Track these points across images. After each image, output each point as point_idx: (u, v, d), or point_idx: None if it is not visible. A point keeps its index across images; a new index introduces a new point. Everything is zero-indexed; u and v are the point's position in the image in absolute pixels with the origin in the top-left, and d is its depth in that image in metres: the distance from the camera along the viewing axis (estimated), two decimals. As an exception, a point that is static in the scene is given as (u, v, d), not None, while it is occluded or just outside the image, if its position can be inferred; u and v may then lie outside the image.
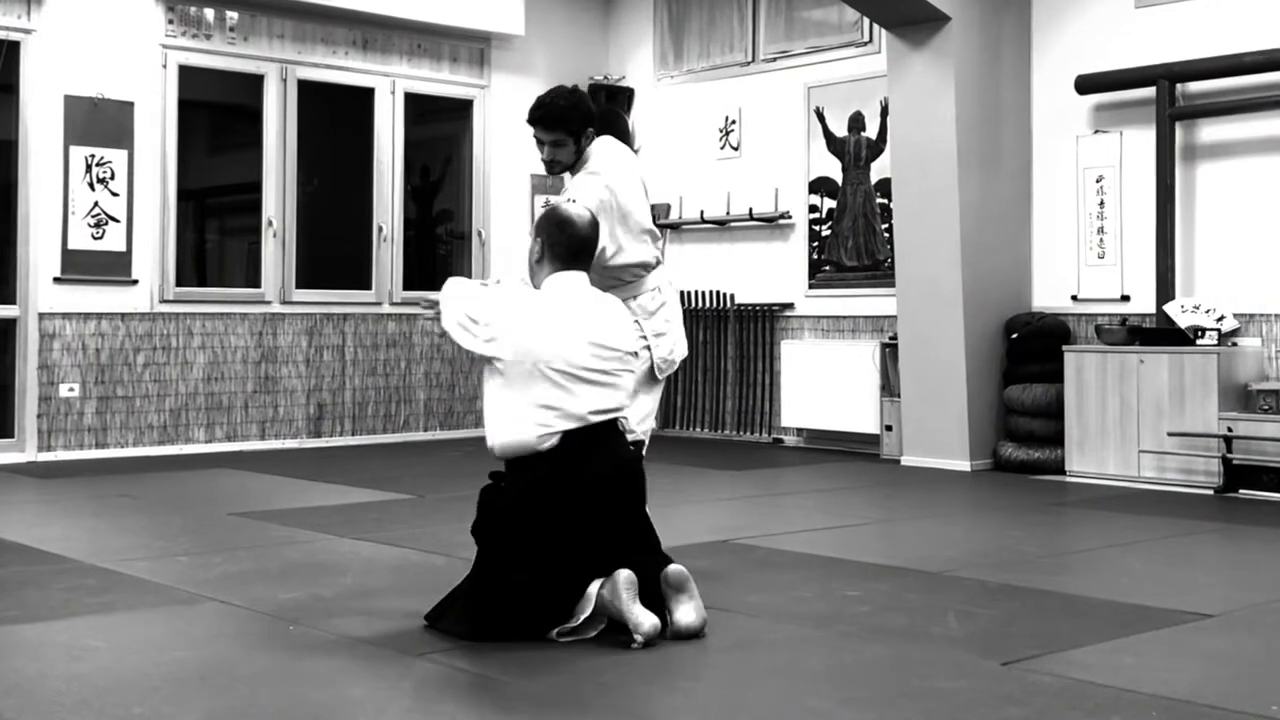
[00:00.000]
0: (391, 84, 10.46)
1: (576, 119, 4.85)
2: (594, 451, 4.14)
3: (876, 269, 9.72)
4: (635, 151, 5.48)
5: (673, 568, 4.11)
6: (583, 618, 4.02)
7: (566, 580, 4.08)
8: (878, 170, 9.72)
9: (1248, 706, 3.39)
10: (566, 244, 4.31)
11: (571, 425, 4.13)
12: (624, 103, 11.24)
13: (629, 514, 4.22)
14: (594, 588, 4.04)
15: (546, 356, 4.13)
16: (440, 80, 10.73)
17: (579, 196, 4.77)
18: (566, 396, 4.13)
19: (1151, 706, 3.38)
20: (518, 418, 4.12)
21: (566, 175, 5.03)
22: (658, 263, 5.03)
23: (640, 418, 4.92)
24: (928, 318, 8.73)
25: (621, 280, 4.96)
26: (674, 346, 5.02)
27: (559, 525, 4.09)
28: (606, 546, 4.13)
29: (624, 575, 4.00)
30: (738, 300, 10.58)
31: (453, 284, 4.36)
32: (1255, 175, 8.07)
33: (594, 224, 4.40)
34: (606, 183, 4.84)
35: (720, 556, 5.48)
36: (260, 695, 3.45)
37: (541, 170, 5.11)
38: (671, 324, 5.03)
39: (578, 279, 4.32)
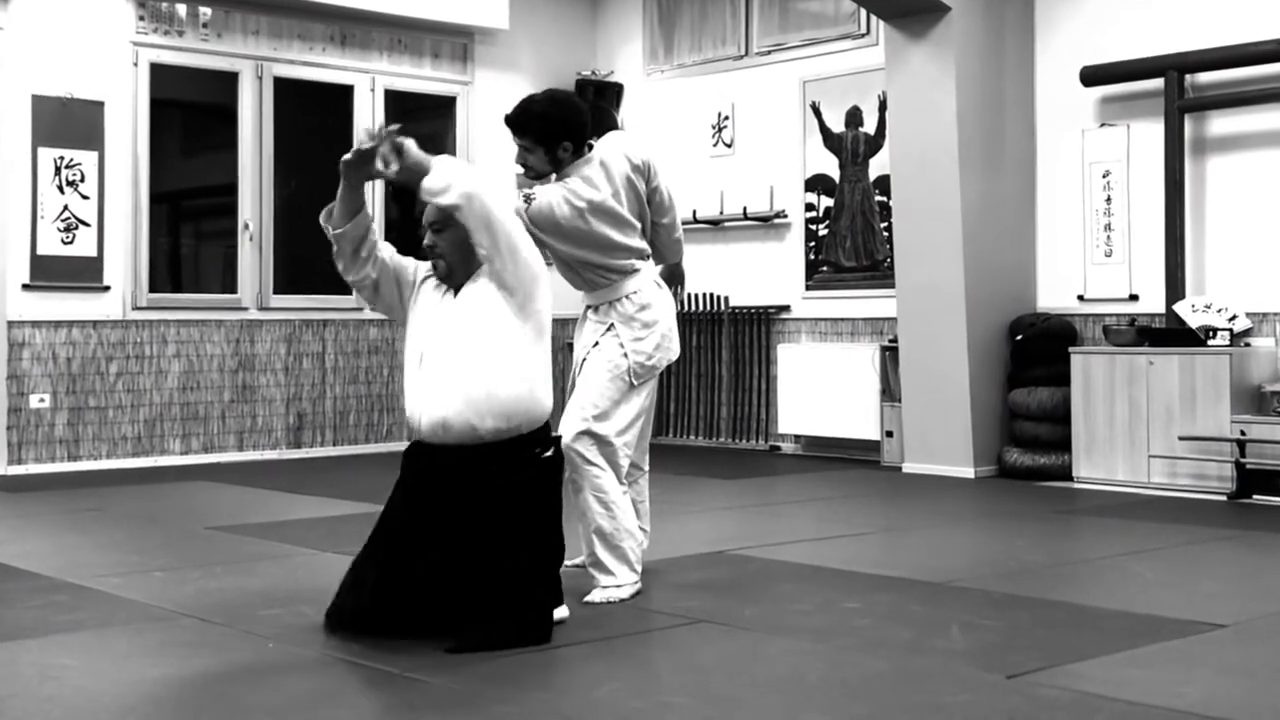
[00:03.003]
0: (371, 81, 10.46)
1: (547, 129, 4.84)
2: None
3: (876, 269, 9.74)
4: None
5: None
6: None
7: None
8: (876, 167, 9.74)
9: None
10: None
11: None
12: (613, 99, 11.25)
13: None
14: None
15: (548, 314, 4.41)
16: (422, 77, 10.73)
17: (539, 195, 4.85)
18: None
19: (1162, 720, 3.39)
20: (545, 378, 4.36)
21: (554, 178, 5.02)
22: (634, 270, 5.00)
23: (618, 429, 4.90)
24: (929, 319, 8.75)
25: (596, 284, 4.99)
26: (653, 352, 4.97)
27: None
28: None
29: None
30: (732, 303, 10.59)
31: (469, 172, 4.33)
32: (1268, 169, 8.09)
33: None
34: (569, 198, 4.85)
35: (716, 568, 5.49)
36: (239, 716, 3.45)
37: (526, 169, 5.09)
38: (653, 329, 4.98)
39: None
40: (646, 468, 5.30)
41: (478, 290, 4.30)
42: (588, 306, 5.10)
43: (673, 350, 5.07)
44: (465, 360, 4.21)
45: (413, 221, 11.99)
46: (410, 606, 4.18)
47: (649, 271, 5.07)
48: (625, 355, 4.91)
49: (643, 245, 5.07)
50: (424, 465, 4.29)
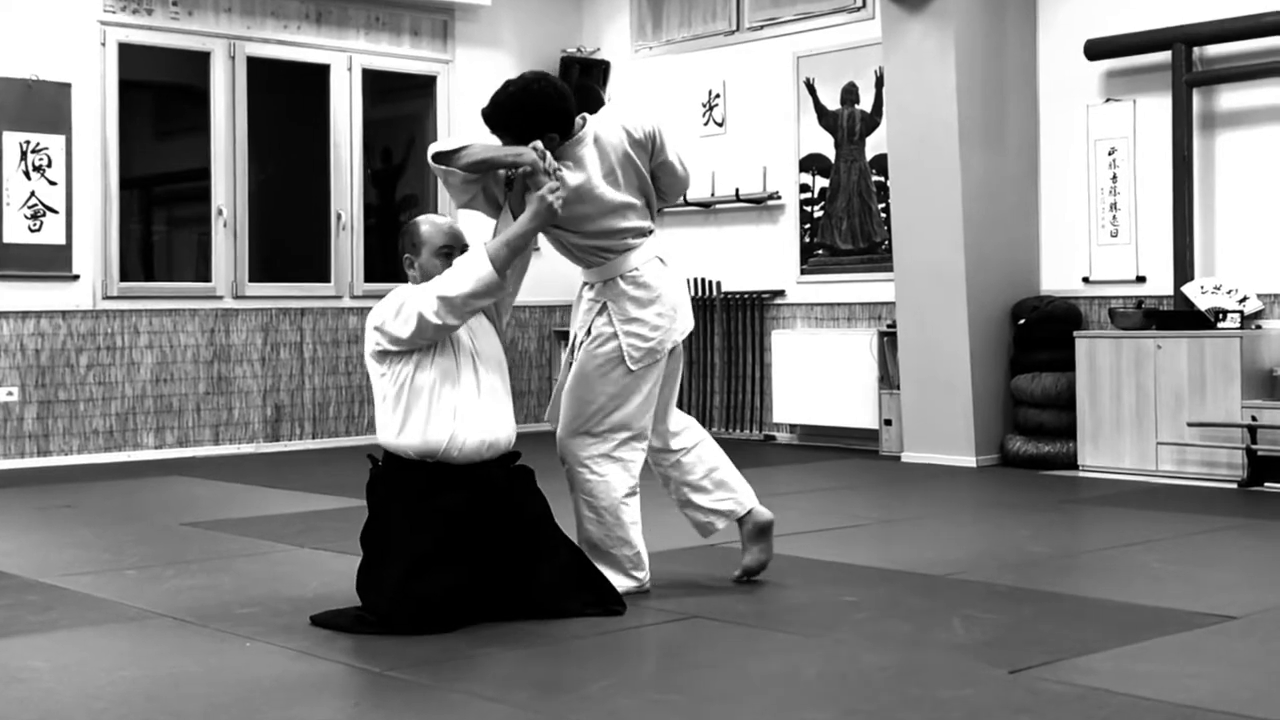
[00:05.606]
0: (348, 60, 10.45)
1: (527, 125, 4.69)
2: None
3: (873, 252, 9.74)
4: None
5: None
6: None
7: None
8: (873, 146, 9.74)
9: (1274, 714, 3.41)
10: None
11: None
12: (599, 77, 11.24)
13: None
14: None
15: None
16: (401, 55, 10.72)
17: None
18: None
19: (1171, 715, 3.40)
20: None
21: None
22: (632, 247, 4.84)
23: (619, 422, 4.79)
24: (929, 303, 8.75)
25: (591, 263, 4.86)
26: (650, 334, 4.80)
27: None
28: None
29: None
30: (724, 288, 10.60)
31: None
32: (1279, 144, 8.10)
33: (452, 230, 4.68)
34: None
35: (709, 561, 5.50)
36: (214, 717, 3.46)
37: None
38: (648, 308, 4.81)
39: None
40: (689, 443, 5.07)
41: (483, 317, 4.71)
42: (585, 283, 4.94)
43: (674, 330, 4.86)
44: (503, 382, 4.66)
45: (391, 205, 11.94)
46: (478, 603, 4.44)
47: (651, 247, 4.89)
48: (618, 339, 4.78)
49: (641, 223, 4.87)
50: (468, 478, 4.46)
